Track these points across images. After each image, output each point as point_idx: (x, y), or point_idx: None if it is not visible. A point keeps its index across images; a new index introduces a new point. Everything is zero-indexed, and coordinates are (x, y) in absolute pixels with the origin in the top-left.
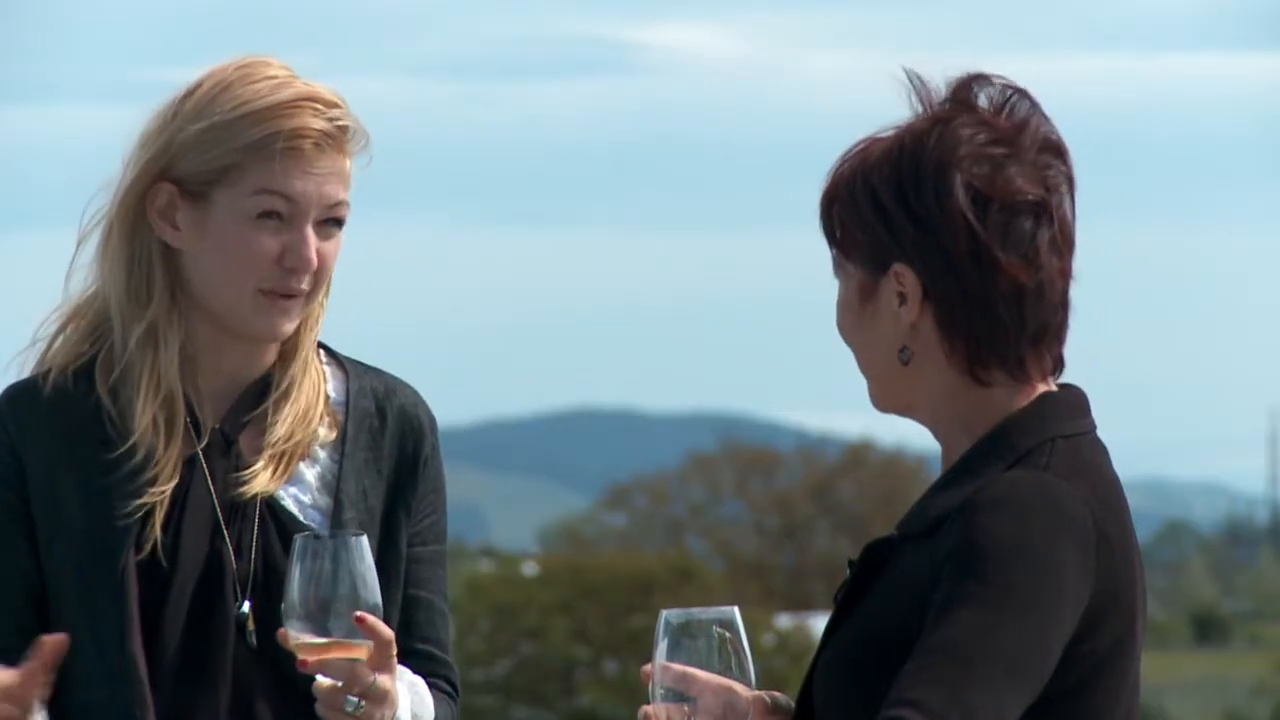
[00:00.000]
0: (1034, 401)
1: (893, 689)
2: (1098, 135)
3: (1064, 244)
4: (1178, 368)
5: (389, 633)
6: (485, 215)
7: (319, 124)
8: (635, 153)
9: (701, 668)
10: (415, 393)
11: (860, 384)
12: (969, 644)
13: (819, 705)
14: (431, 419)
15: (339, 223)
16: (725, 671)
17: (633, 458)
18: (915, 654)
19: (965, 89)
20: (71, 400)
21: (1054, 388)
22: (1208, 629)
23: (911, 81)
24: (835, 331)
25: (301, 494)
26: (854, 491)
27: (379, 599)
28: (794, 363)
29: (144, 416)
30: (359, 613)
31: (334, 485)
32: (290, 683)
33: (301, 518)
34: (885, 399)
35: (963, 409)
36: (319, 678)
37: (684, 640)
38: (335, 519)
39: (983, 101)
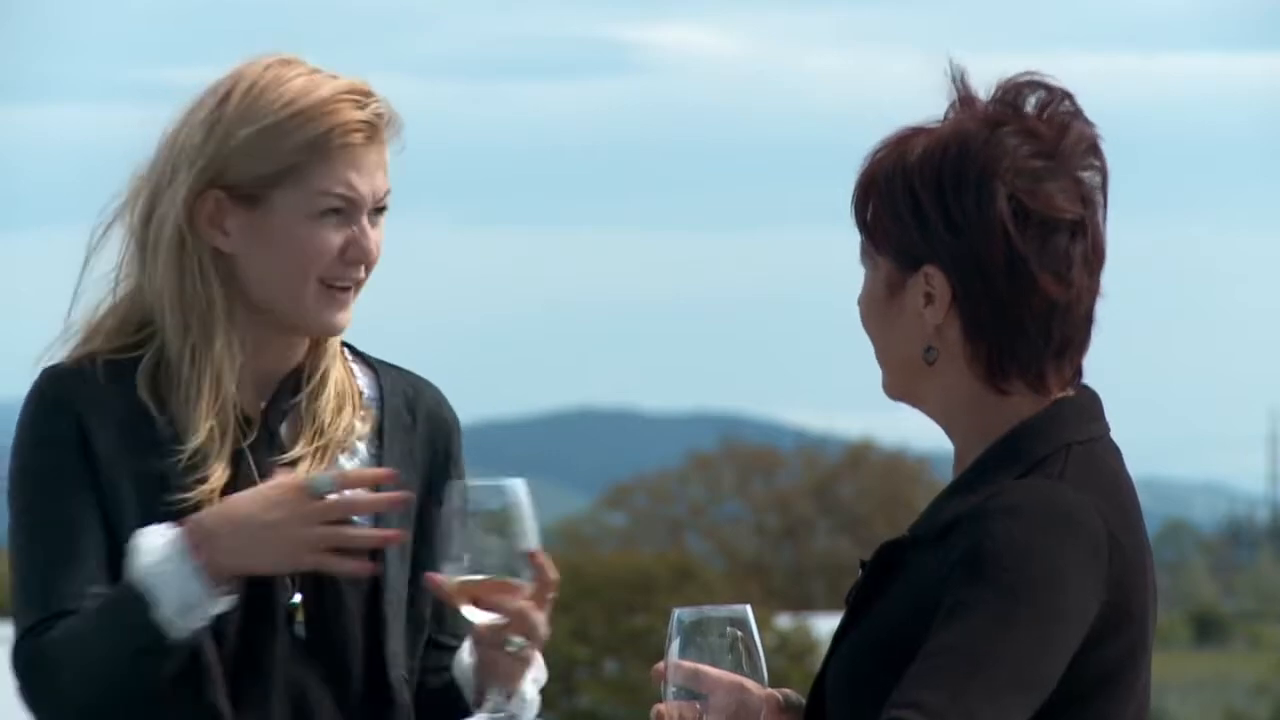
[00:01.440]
0: (1049, 407)
1: (896, 690)
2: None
3: (1096, 260)
4: (1178, 367)
5: (555, 573)
6: (485, 215)
7: (364, 116)
8: (635, 153)
9: (713, 666)
10: (439, 391)
11: (860, 384)
12: (974, 648)
13: (830, 707)
14: (456, 417)
15: (383, 211)
16: (737, 670)
17: (633, 457)
18: (920, 657)
19: (1014, 93)
20: (121, 393)
21: (1069, 392)
22: (1208, 629)
23: (954, 76)
24: (835, 332)
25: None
26: (855, 491)
27: (534, 541)
28: (794, 363)
29: (205, 423)
30: (532, 549)
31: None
32: (343, 674)
33: None
34: (897, 390)
35: (979, 414)
36: (479, 617)
37: (696, 638)
38: (376, 514)
39: (1030, 107)
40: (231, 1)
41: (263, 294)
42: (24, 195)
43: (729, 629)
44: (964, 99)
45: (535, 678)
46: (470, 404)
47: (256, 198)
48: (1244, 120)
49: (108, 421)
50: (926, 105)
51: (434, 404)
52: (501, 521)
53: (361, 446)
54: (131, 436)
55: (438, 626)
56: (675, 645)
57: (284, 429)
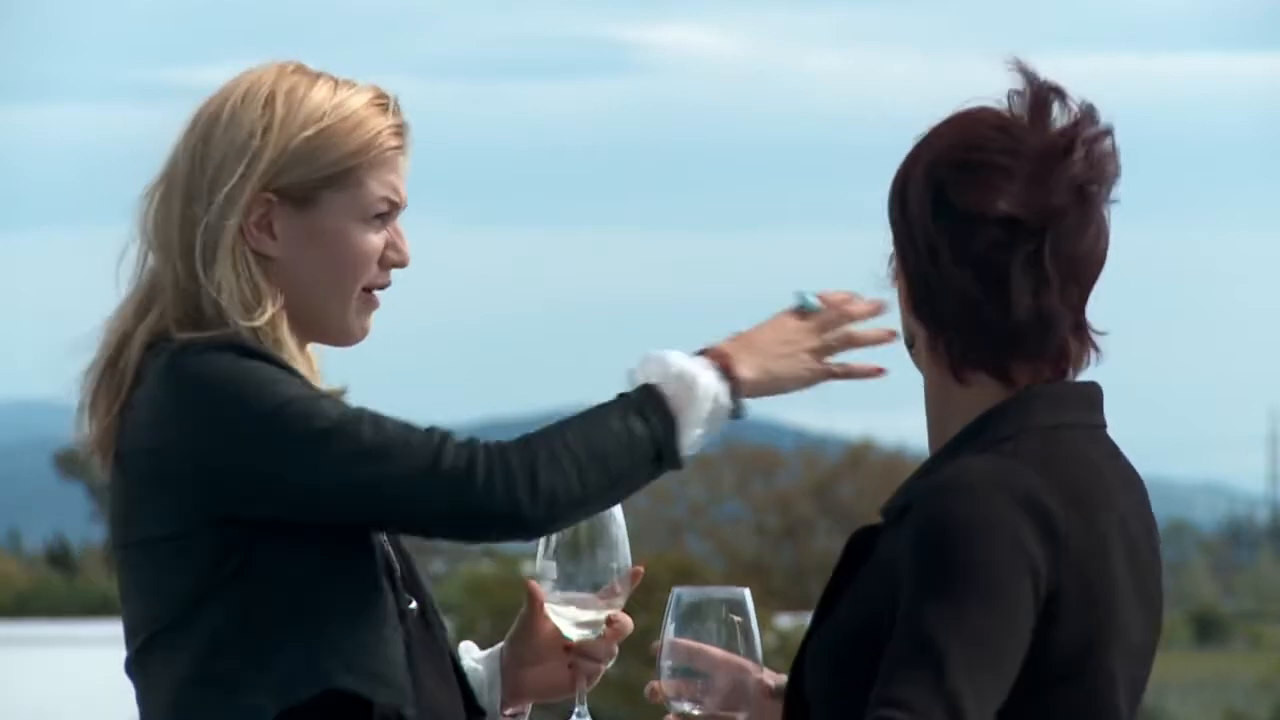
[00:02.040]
0: (1020, 392)
1: (875, 687)
2: None
3: (1053, 266)
4: (1177, 367)
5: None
6: (485, 215)
7: (398, 122)
8: (635, 153)
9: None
10: None
11: (860, 384)
12: (938, 632)
13: (808, 691)
14: None
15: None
16: (733, 652)
17: None
18: (890, 647)
19: (1041, 96)
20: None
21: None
22: (1208, 629)
23: (1025, 73)
24: None
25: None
26: (854, 491)
27: (629, 561)
28: None
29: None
30: (635, 567)
31: None
32: (445, 655)
33: None
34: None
35: (947, 401)
36: (575, 633)
37: (694, 619)
38: None
39: (1018, 108)
40: (232, 1)
41: (305, 298)
42: (24, 195)
43: (726, 612)
44: (1035, 119)
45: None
46: (470, 404)
47: (308, 200)
48: (1244, 120)
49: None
50: (926, 105)
51: None
52: (595, 536)
53: None
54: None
55: None
56: (673, 625)
57: None
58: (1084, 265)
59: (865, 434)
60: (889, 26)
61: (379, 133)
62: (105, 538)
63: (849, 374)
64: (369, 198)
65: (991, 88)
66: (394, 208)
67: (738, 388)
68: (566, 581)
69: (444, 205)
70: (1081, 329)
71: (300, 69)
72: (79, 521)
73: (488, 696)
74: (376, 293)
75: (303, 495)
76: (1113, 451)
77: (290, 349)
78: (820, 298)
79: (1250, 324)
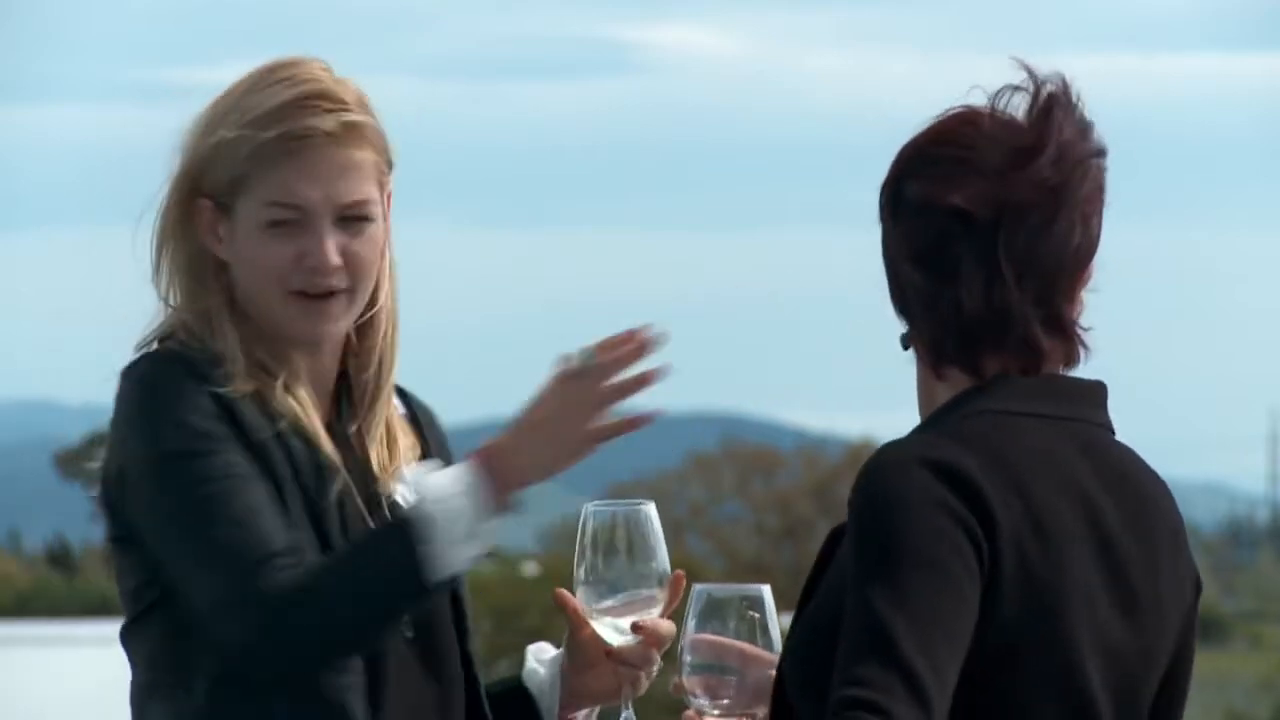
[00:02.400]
0: (984, 382)
1: (835, 670)
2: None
3: (1008, 260)
4: (1177, 367)
5: (667, 634)
6: (485, 215)
7: (324, 124)
8: (635, 153)
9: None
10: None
11: (860, 385)
12: (882, 610)
13: (788, 687)
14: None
15: (365, 219)
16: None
17: (633, 457)
18: (845, 629)
19: (1049, 100)
20: (212, 381)
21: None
22: (1208, 629)
23: (1029, 73)
24: (836, 332)
25: (407, 492)
26: None
27: (666, 567)
28: (794, 363)
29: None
30: (676, 571)
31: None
32: (446, 675)
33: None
34: None
35: (930, 398)
36: (618, 639)
37: (714, 615)
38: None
39: (1058, 115)
40: (232, 2)
41: (250, 301)
42: (24, 195)
43: (745, 609)
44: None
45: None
46: (470, 404)
47: (227, 206)
48: (1244, 120)
49: (219, 407)
50: (926, 105)
51: (431, 418)
52: (632, 542)
53: (410, 455)
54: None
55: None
56: (693, 621)
57: (355, 438)
58: (1050, 261)
59: (865, 434)
60: (889, 26)
61: (280, 136)
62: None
63: (618, 431)
64: (266, 204)
65: (993, 88)
66: (302, 212)
67: (507, 488)
68: (607, 589)
69: (444, 205)
70: (1058, 324)
71: (275, 67)
72: (79, 521)
73: (548, 699)
74: (316, 298)
75: (151, 545)
76: (1093, 447)
77: (230, 349)
78: (599, 347)
79: (1250, 324)
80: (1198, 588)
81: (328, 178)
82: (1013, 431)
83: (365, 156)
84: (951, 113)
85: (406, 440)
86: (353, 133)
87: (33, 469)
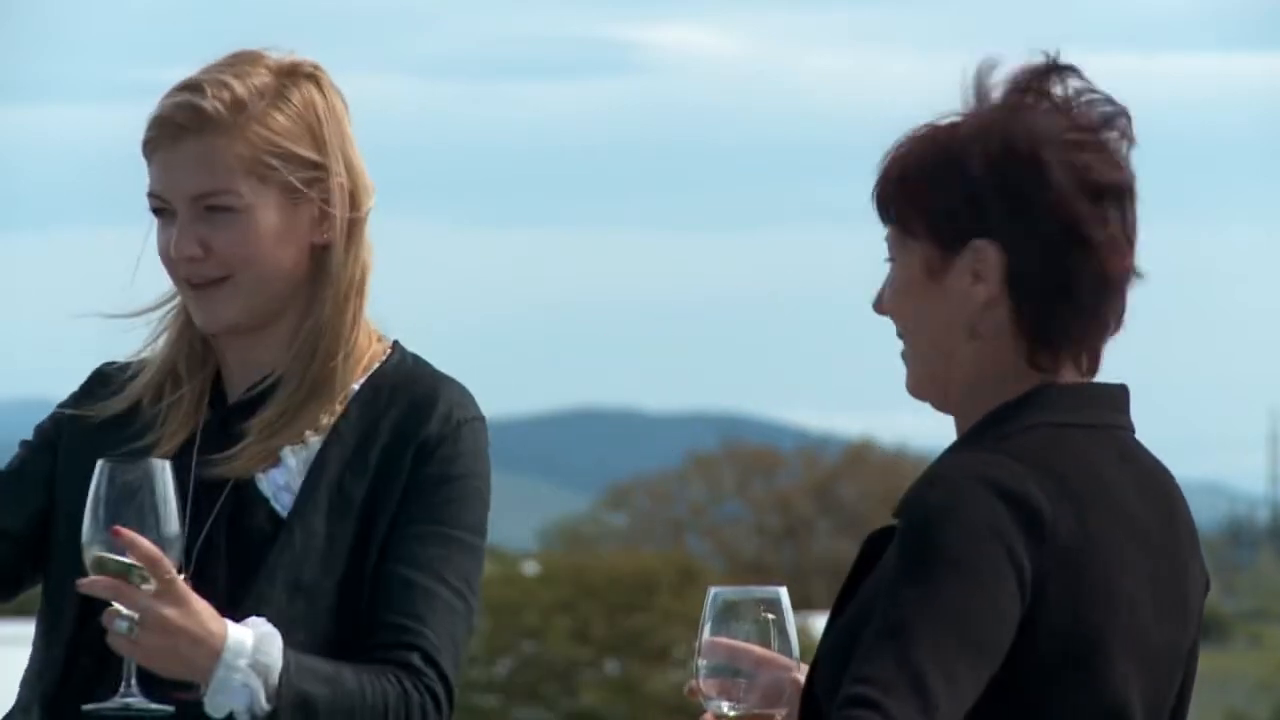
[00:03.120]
0: (1032, 389)
1: (849, 667)
2: None
3: (1134, 230)
4: (1177, 367)
5: (153, 551)
6: (485, 215)
7: (176, 115)
8: (635, 153)
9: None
10: (451, 388)
11: (860, 384)
12: (908, 613)
13: (820, 692)
14: (454, 408)
15: (223, 210)
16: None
17: (633, 457)
18: (866, 633)
19: (1041, 78)
20: (117, 383)
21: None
22: (1208, 629)
23: (974, 77)
24: (836, 332)
25: (279, 478)
26: (855, 491)
27: (173, 529)
28: (794, 363)
29: (146, 393)
30: (116, 527)
31: (310, 469)
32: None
33: (272, 500)
34: (925, 383)
35: (995, 394)
36: (111, 604)
37: (730, 617)
38: (298, 499)
39: (1058, 92)
40: (232, 2)
41: None
42: (24, 195)
43: (763, 611)
44: (980, 98)
45: None
46: None
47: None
48: (1244, 120)
49: (97, 408)
50: (926, 105)
51: (422, 393)
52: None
53: (315, 440)
54: (106, 434)
55: (378, 606)
56: (709, 624)
57: (244, 423)
58: (1134, 239)
59: (865, 434)
60: (889, 26)
61: (146, 128)
62: None
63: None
64: (148, 197)
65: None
66: (163, 202)
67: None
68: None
69: (444, 205)
70: None
71: (229, 62)
72: None
73: None
74: (195, 289)
75: None
76: (1129, 454)
77: (180, 339)
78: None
79: (1251, 324)
80: (1207, 587)
81: (176, 168)
82: (1065, 445)
83: (226, 146)
84: (1017, 103)
85: (306, 417)
86: (199, 119)
87: None
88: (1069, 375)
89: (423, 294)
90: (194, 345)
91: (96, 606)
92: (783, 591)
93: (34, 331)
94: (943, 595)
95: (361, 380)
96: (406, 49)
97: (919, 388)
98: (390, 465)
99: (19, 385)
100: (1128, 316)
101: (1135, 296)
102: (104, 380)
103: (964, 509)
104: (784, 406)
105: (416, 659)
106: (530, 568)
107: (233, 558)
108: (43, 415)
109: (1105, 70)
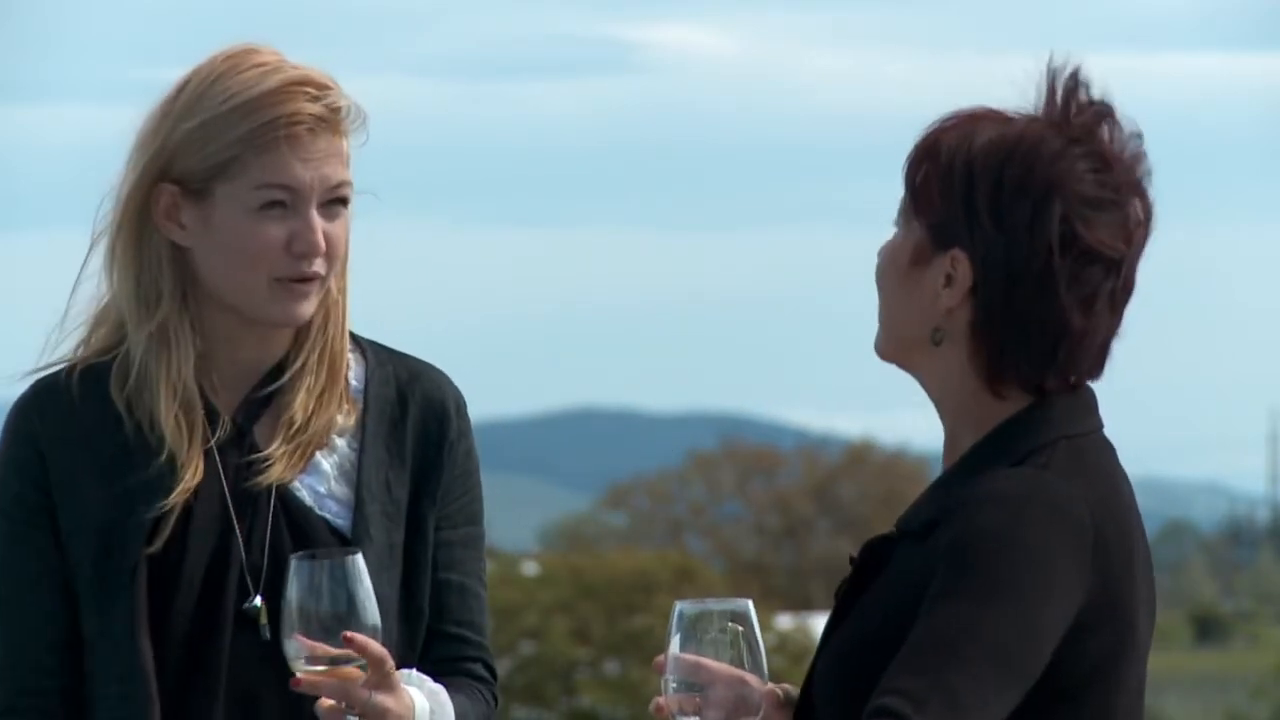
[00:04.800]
0: (1038, 401)
1: (881, 680)
2: None
3: (1123, 297)
4: (1178, 367)
5: (380, 651)
6: (485, 215)
7: (312, 108)
8: (635, 152)
9: (714, 660)
10: (442, 376)
11: (861, 385)
12: (954, 632)
13: (819, 702)
14: (458, 402)
15: (343, 202)
16: (737, 664)
17: (633, 457)
18: (905, 645)
19: (1098, 117)
20: (93, 400)
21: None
22: (1208, 629)
23: (1051, 74)
24: (836, 331)
25: (317, 484)
26: (855, 491)
27: (376, 619)
28: (795, 362)
29: (167, 419)
30: (346, 633)
31: (353, 476)
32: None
33: (317, 509)
34: (893, 353)
35: (972, 406)
36: (321, 699)
37: (697, 632)
38: (358, 513)
39: (1107, 133)
40: (232, 2)
41: (219, 287)
42: (24, 195)
43: (730, 624)
44: (1050, 99)
45: None
46: (471, 404)
47: (202, 191)
48: (1244, 120)
49: (73, 435)
50: (926, 105)
51: (431, 389)
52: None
53: (341, 442)
54: (103, 445)
55: (439, 616)
56: (676, 638)
57: (259, 426)
58: (1130, 297)
59: (865, 434)
60: (889, 26)
61: (273, 119)
62: None
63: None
64: (258, 186)
65: (992, 90)
66: (294, 194)
67: None
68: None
69: (444, 205)
70: None
71: (245, 52)
72: None
73: None
74: (295, 283)
75: None
76: (1114, 453)
77: (184, 349)
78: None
79: (1250, 324)
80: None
81: (317, 160)
82: (1086, 460)
83: (344, 142)
84: (1065, 131)
85: (325, 416)
86: (339, 117)
87: None
88: (1026, 399)
89: (422, 294)
90: (198, 350)
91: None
92: (749, 604)
93: (34, 332)
94: (990, 619)
95: (358, 375)
96: (406, 49)
97: (885, 354)
98: (428, 468)
99: (17, 385)
100: (1108, 364)
101: (1137, 298)
102: (59, 400)
103: (1020, 531)
104: (784, 406)
105: (482, 669)
106: (530, 568)
107: None
108: None
109: (1105, 70)
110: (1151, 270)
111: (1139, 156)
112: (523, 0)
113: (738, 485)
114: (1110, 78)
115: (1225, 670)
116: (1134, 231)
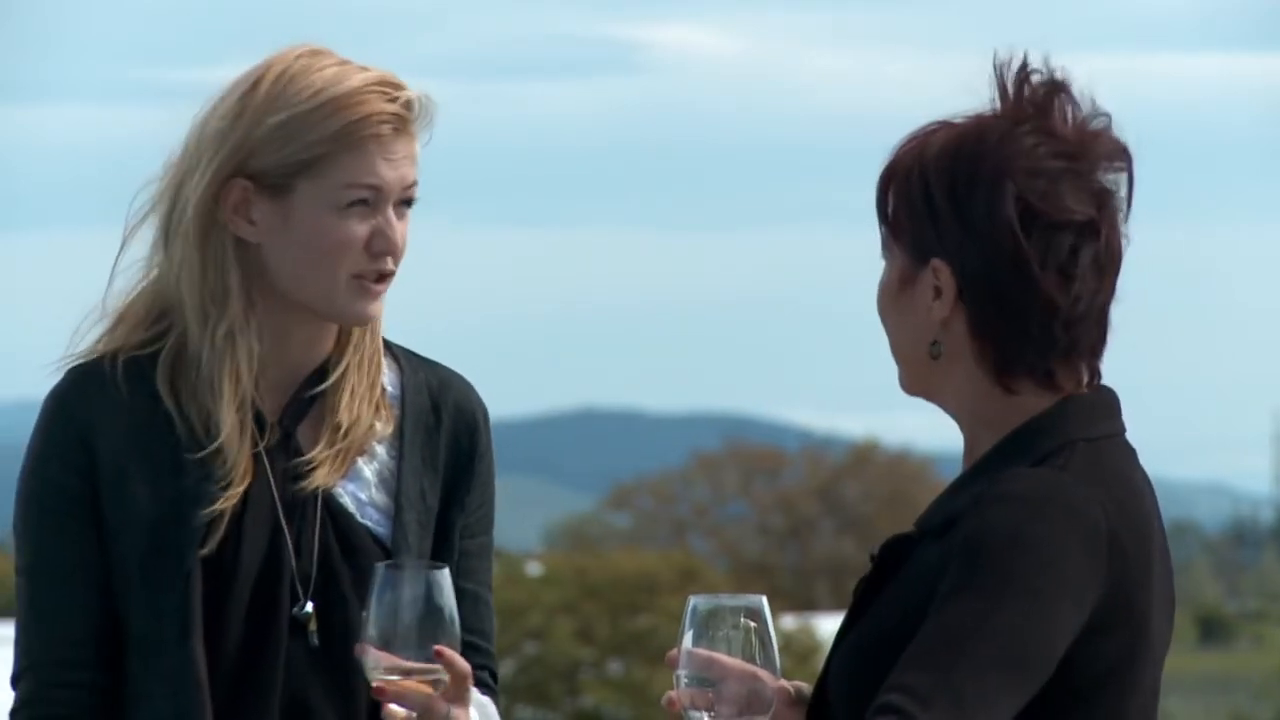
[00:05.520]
0: (1057, 403)
1: (889, 676)
2: None
3: (1108, 263)
4: (1181, 368)
5: (466, 667)
6: (485, 215)
7: (393, 108)
8: (636, 152)
9: (727, 655)
10: (468, 385)
11: (864, 385)
12: (962, 630)
13: (834, 698)
14: (485, 412)
15: (409, 204)
16: (750, 660)
17: (637, 458)
18: (913, 642)
19: (1049, 94)
20: (140, 393)
21: (1083, 390)
22: (1212, 629)
23: (998, 70)
24: (839, 332)
25: (359, 491)
26: (859, 492)
27: (458, 634)
28: (798, 363)
29: (228, 420)
30: (437, 647)
31: (392, 484)
32: (349, 686)
33: (359, 515)
34: (913, 384)
35: (988, 410)
36: (391, 707)
37: (710, 627)
38: (396, 520)
39: (1057, 108)
40: (232, 2)
41: (290, 285)
42: (24, 195)
43: (743, 619)
44: (1003, 94)
45: None
46: None
47: (282, 188)
48: (1244, 120)
49: (120, 426)
50: (926, 105)
51: (461, 400)
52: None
53: (380, 449)
54: (151, 439)
55: (463, 625)
56: (689, 634)
57: (302, 429)
58: (1117, 262)
59: (869, 434)
60: (889, 26)
61: (361, 119)
62: None
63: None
64: (342, 185)
65: (990, 90)
66: (378, 194)
67: None
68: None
69: (444, 205)
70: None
71: (313, 53)
72: None
73: None
74: (370, 282)
75: None
76: (1135, 458)
77: (249, 349)
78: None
79: (1254, 324)
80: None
81: (398, 161)
82: (1105, 462)
83: (416, 144)
84: (1010, 115)
85: (365, 422)
86: (415, 117)
87: None
88: (1051, 389)
89: (423, 294)
90: (261, 339)
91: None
92: (763, 600)
93: (34, 332)
94: (1000, 616)
95: (393, 381)
96: (406, 49)
97: (908, 388)
98: (459, 478)
99: (20, 385)
100: (1109, 331)
101: (1137, 297)
102: (104, 390)
103: (1034, 531)
104: (787, 406)
105: (488, 677)
106: (534, 569)
107: (355, 585)
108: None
109: (1105, 70)
110: (1152, 270)
111: (1099, 123)
112: (523, 0)
113: (741, 486)
114: (1110, 78)
115: (1229, 671)
116: (1101, 192)
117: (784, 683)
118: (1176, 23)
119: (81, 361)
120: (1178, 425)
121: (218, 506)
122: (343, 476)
